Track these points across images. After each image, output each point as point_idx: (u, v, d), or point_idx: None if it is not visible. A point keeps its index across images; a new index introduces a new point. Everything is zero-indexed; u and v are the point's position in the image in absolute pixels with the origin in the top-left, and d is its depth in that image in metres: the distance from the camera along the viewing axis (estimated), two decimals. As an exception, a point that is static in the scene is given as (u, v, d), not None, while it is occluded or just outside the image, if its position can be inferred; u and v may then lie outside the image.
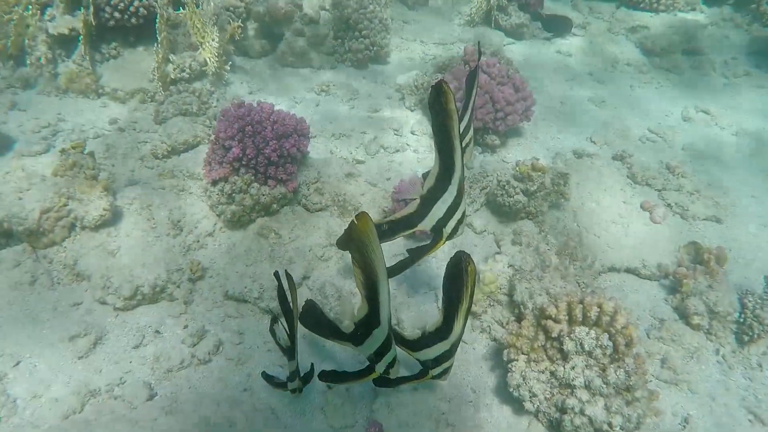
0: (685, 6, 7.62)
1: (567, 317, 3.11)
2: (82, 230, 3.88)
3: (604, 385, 2.95)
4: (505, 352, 3.24)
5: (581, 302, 3.08)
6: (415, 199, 2.86)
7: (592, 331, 3.03)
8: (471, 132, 3.47)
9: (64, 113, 5.09)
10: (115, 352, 3.44)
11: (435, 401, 3.32)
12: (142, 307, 3.69)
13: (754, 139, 5.74)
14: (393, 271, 3.11)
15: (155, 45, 5.16)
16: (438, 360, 2.80)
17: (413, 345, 2.81)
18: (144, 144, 4.77)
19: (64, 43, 5.34)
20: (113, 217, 3.94)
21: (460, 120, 3.18)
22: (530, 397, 3.07)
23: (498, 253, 3.87)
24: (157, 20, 5.09)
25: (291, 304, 2.69)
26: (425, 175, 2.94)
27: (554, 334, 3.08)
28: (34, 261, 3.74)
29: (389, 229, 2.89)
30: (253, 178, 3.93)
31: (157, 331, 3.57)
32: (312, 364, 3.18)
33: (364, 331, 2.57)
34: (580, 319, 3.07)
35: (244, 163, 3.89)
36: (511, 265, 3.72)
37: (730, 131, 5.84)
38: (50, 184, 3.90)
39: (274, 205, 4.03)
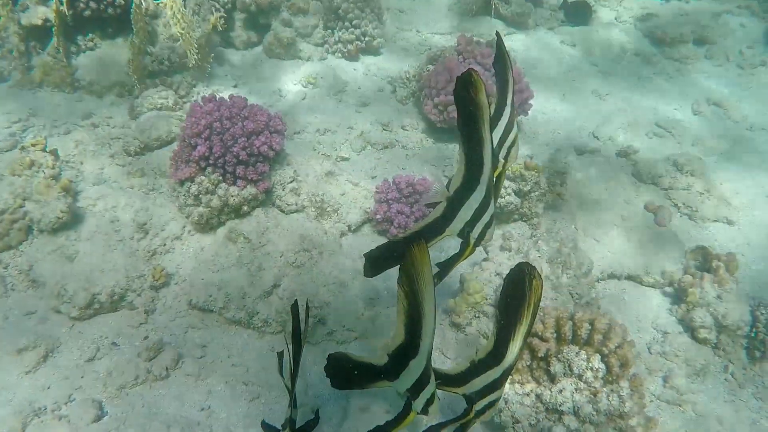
0: (698, -7, 7.23)
1: (555, 335, 2.80)
2: (40, 233, 3.64)
3: (595, 413, 2.64)
4: (487, 371, 2.93)
5: (571, 318, 2.77)
6: (440, 202, 2.54)
7: (582, 352, 2.72)
8: (515, 130, 3.08)
9: (36, 108, 4.85)
10: (67, 366, 3.18)
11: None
12: (101, 317, 3.44)
13: (771, 134, 5.38)
14: None
15: (131, 36, 4.90)
16: (483, 392, 2.42)
17: (457, 380, 2.45)
18: (117, 140, 4.51)
19: (39, 34, 5.08)
20: (74, 220, 3.69)
21: (500, 115, 2.86)
22: (513, 423, 2.77)
23: (485, 259, 3.56)
24: (133, 9, 4.81)
25: (300, 340, 2.34)
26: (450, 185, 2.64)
27: (540, 354, 2.77)
28: (-14, 266, 3.50)
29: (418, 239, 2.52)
30: (221, 178, 3.65)
31: (114, 343, 3.31)
32: (317, 410, 2.80)
33: (398, 363, 2.24)
34: (570, 338, 2.76)
35: (211, 162, 3.61)
36: (498, 274, 3.40)
37: (745, 125, 5.46)
38: (6, 183, 3.66)
39: (245, 207, 3.75)
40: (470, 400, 2.46)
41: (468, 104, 2.18)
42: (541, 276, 2.15)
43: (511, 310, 2.24)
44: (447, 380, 2.47)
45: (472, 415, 2.47)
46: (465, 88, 2.15)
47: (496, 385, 2.40)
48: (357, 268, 3.65)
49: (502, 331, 2.30)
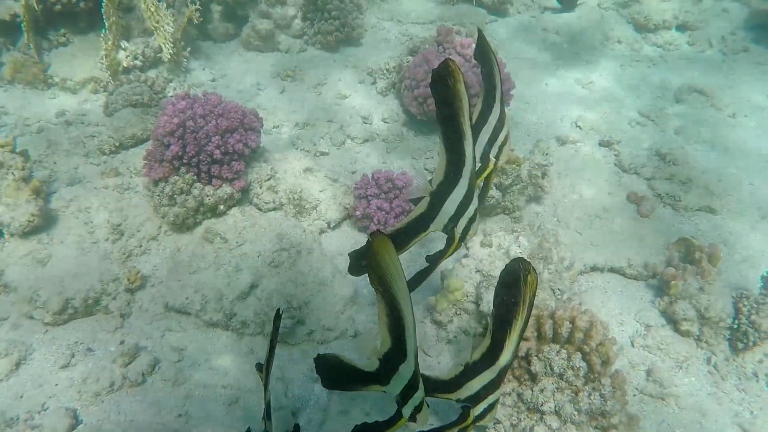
0: (681, -22, 7.15)
1: (536, 333, 2.76)
2: (10, 237, 3.55)
3: (576, 413, 2.61)
4: (468, 371, 2.89)
5: (551, 316, 2.73)
6: (424, 197, 2.47)
7: (563, 351, 2.68)
8: (507, 127, 2.98)
9: (8, 106, 4.73)
10: (41, 373, 3.11)
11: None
12: (75, 322, 3.37)
13: (753, 120, 5.34)
14: (411, 285, 2.68)
15: (103, 31, 4.78)
16: (480, 395, 2.35)
17: (450, 386, 2.37)
18: (91, 138, 4.40)
19: (8, 30, 4.98)
20: (46, 222, 3.61)
21: (488, 112, 2.77)
22: (494, 423, 2.74)
23: (466, 256, 3.51)
24: (104, 4, 4.69)
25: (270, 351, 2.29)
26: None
27: (521, 353, 2.74)
28: (-45, 272, 3.41)
29: (403, 236, 2.40)
30: (195, 177, 3.57)
31: (89, 349, 3.25)
32: (297, 425, 2.70)
33: (389, 368, 2.19)
34: (551, 336, 2.72)
35: (184, 161, 3.52)
36: (478, 270, 3.36)
37: (727, 112, 5.43)
38: (-26, 187, 3.56)
39: (221, 206, 3.68)
40: (467, 404, 2.40)
41: (446, 96, 2.11)
42: (536, 270, 2.11)
43: (506, 307, 2.20)
44: (439, 387, 2.41)
45: (470, 420, 2.41)
46: (442, 79, 2.08)
47: (492, 387, 2.35)
48: (336, 266, 3.60)
49: (497, 328, 2.25)
